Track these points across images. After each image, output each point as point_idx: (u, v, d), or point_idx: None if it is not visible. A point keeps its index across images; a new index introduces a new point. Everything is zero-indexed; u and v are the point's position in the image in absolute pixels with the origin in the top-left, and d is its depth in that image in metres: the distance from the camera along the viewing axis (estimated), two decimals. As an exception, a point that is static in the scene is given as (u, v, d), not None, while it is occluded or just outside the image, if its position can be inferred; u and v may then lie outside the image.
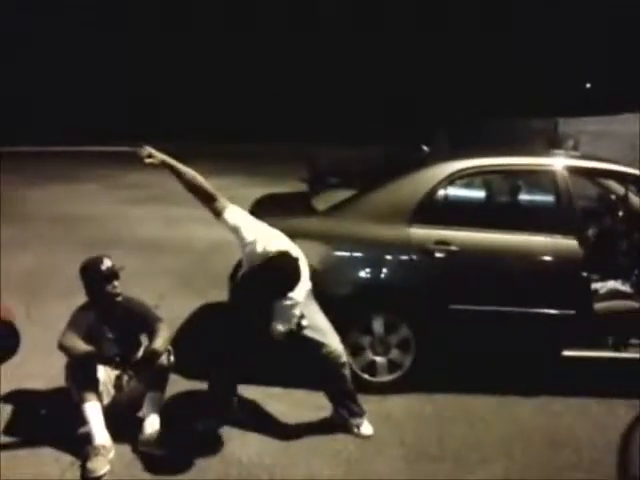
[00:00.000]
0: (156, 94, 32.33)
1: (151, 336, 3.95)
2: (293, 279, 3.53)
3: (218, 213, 3.71)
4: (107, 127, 26.02)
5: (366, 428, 4.05)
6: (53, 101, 29.39)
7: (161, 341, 3.87)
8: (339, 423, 4.07)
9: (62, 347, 3.76)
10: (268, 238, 3.67)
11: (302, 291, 3.69)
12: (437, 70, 34.04)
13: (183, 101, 32.41)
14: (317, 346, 3.84)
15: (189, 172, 3.75)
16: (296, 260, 3.54)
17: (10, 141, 20.80)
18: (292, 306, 3.66)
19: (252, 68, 34.36)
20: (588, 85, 35.91)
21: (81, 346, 3.74)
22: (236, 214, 3.73)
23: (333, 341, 3.90)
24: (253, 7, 34.77)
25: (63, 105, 29.24)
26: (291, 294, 3.60)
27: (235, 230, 3.70)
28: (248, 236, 3.68)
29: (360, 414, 4.06)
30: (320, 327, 3.88)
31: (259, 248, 3.62)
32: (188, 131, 27.25)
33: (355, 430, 4.02)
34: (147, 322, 4.04)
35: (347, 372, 3.98)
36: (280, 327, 3.66)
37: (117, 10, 33.00)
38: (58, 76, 31.11)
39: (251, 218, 3.80)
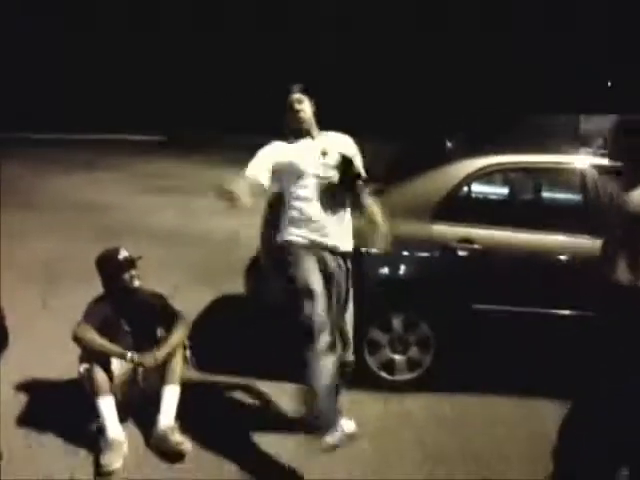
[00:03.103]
0: (179, 84, 32.28)
1: (168, 331, 3.91)
2: None
3: None
4: (129, 115, 25.97)
5: (348, 426, 3.54)
6: (72, 89, 29.41)
7: (174, 339, 3.84)
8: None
9: (76, 339, 3.72)
10: None
11: None
12: (459, 66, 33.73)
13: (206, 91, 32.34)
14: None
15: None
16: None
17: (29, 127, 20.86)
18: None
19: (272, 65, 34.26)
20: (609, 83, 35.48)
21: (96, 338, 3.70)
22: None
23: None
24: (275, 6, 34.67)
25: (81, 92, 29.26)
26: None
27: None
28: None
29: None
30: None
31: None
32: (210, 121, 27.16)
33: (339, 429, 3.50)
34: (165, 316, 3.99)
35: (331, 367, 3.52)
36: None
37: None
38: (75, 63, 31.14)
39: None
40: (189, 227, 9.46)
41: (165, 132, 23.65)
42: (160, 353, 3.77)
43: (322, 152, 3.70)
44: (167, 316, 4.00)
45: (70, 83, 29.73)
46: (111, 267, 3.90)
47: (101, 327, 3.78)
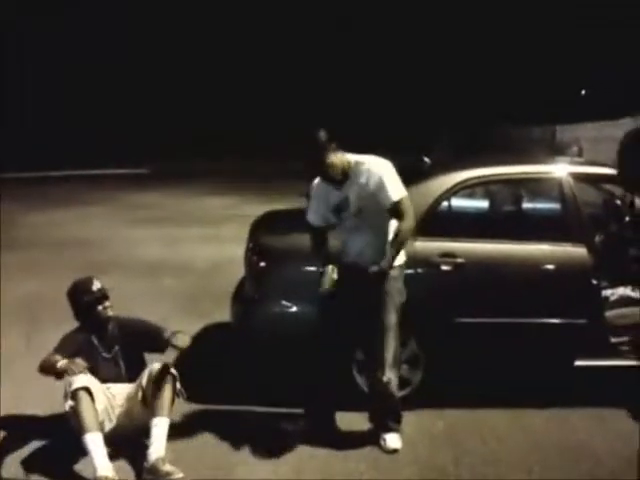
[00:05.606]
0: (163, 113, 32.36)
1: (160, 348, 3.93)
2: None
3: None
4: (110, 149, 26.02)
5: (392, 441, 3.96)
6: (55, 125, 29.45)
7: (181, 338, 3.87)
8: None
9: (42, 369, 3.69)
10: None
11: None
12: (434, 80, 34.04)
13: (191, 120, 32.43)
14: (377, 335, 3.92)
15: None
16: None
17: (13, 167, 20.83)
18: None
19: (256, 85, 34.47)
20: (583, 92, 35.93)
21: (59, 360, 3.65)
22: None
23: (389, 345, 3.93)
24: (262, 21, 35.04)
25: (65, 129, 29.29)
26: None
27: None
28: None
29: (391, 430, 4.01)
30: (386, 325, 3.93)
31: None
32: (197, 150, 27.25)
33: (382, 443, 3.96)
34: (151, 336, 3.96)
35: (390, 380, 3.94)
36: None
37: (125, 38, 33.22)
38: (60, 98, 31.22)
39: None
40: (174, 258, 9.43)
41: (146, 165, 23.65)
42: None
43: None
44: (155, 337, 3.96)
45: (54, 120, 29.77)
46: (85, 298, 3.89)
47: (75, 355, 3.74)
